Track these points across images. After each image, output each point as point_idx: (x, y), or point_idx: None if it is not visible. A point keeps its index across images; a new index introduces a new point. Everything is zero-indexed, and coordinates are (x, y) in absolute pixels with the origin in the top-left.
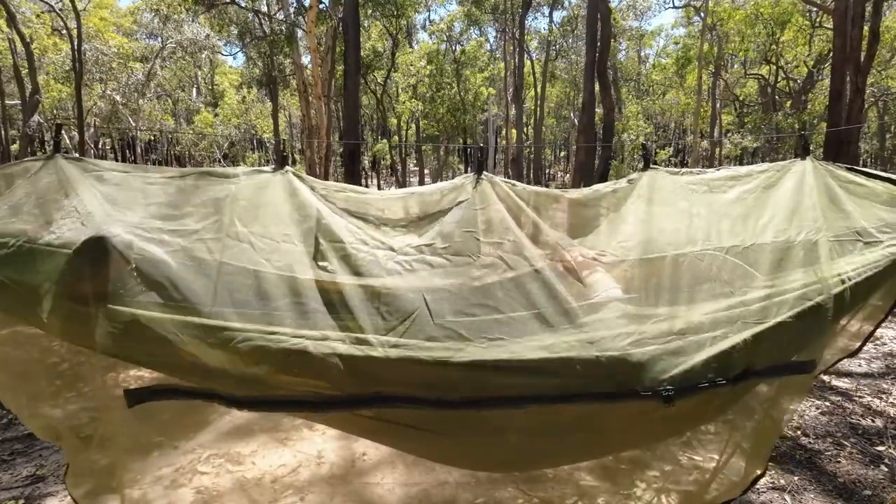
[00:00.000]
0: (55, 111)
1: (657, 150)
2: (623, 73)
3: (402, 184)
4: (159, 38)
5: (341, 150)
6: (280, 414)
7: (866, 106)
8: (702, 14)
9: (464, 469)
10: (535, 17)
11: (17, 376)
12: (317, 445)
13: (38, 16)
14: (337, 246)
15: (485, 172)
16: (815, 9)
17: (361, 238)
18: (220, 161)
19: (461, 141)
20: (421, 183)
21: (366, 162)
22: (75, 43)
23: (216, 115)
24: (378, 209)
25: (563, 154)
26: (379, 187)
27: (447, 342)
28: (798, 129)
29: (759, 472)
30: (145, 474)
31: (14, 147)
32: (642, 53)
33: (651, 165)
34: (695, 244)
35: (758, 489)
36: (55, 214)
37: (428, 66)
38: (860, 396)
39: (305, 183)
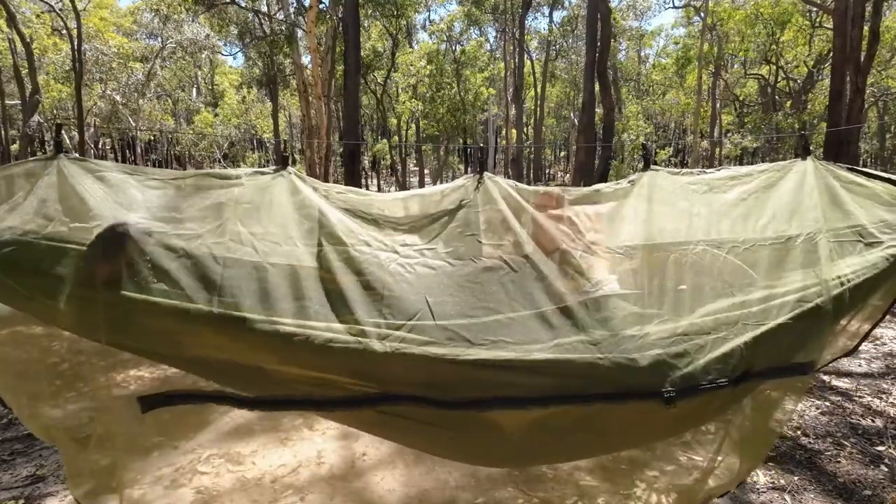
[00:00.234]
0: (55, 111)
1: (657, 150)
2: (623, 73)
3: (402, 183)
4: (159, 38)
5: (341, 150)
6: (284, 412)
7: (866, 106)
8: (702, 14)
9: (464, 464)
10: (535, 17)
11: (17, 376)
12: (317, 445)
13: (38, 16)
14: (340, 249)
15: (486, 172)
16: (815, 9)
17: (364, 240)
18: (220, 161)
19: (461, 141)
20: (421, 183)
21: (366, 162)
22: (75, 43)
23: (216, 115)
24: (380, 210)
25: (563, 154)
26: (379, 187)
27: (449, 343)
28: (798, 129)
29: (753, 468)
30: (145, 474)
31: (14, 147)
32: (642, 53)
33: (651, 166)
34: (696, 244)
35: (758, 489)
36: (62, 213)
37: (428, 66)
38: (860, 396)
39: (307, 184)
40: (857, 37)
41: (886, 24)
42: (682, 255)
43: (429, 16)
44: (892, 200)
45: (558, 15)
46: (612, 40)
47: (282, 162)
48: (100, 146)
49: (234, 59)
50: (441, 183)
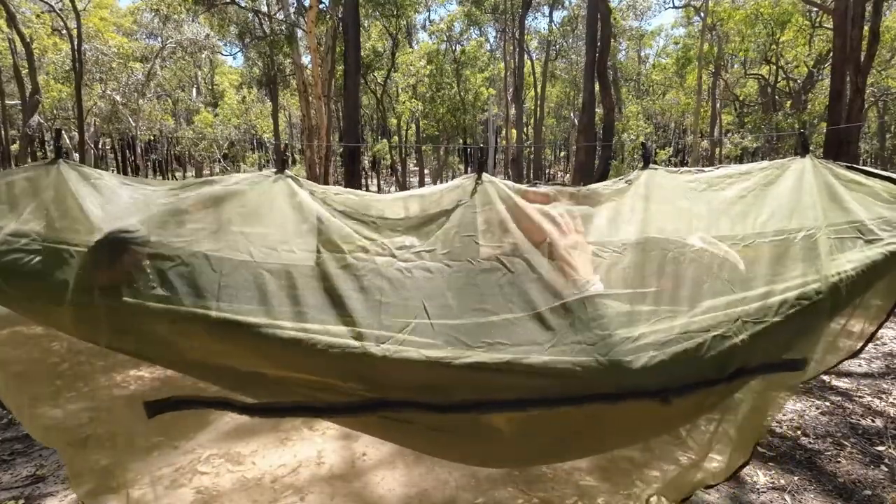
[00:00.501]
0: (55, 111)
1: (657, 150)
2: (623, 73)
3: (402, 184)
4: (159, 38)
5: (341, 150)
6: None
7: (866, 106)
8: (702, 14)
9: (464, 465)
10: (535, 17)
11: (17, 377)
12: (317, 445)
13: (38, 16)
14: (337, 256)
15: (484, 174)
16: (815, 9)
17: (362, 245)
18: (219, 161)
19: (461, 141)
20: (421, 183)
21: (366, 162)
22: (75, 43)
23: (216, 115)
24: (378, 211)
25: (563, 154)
26: (379, 188)
27: (447, 346)
28: (798, 129)
29: (743, 460)
30: (145, 474)
31: (14, 147)
32: (642, 53)
33: (650, 165)
34: (694, 242)
35: (758, 489)
36: (61, 219)
37: (428, 66)
38: (860, 396)
39: (304, 188)
40: (857, 37)
41: (886, 24)
42: (681, 252)
43: (429, 16)
44: (891, 198)
45: (558, 15)
46: (612, 40)
47: (280, 165)
48: (100, 146)
49: (234, 59)
50: (441, 183)
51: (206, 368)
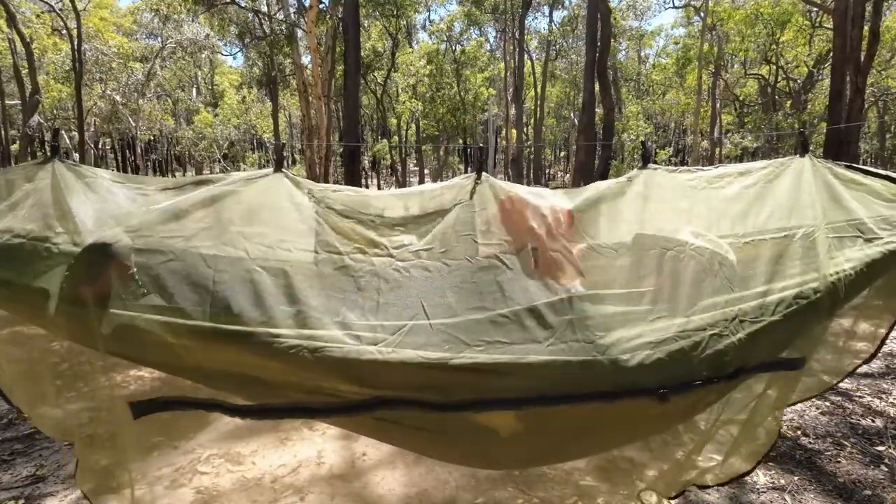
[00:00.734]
0: (55, 111)
1: (657, 150)
2: (623, 73)
3: (401, 184)
4: (159, 38)
5: (341, 150)
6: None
7: (866, 106)
8: (702, 14)
9: (463, 466)
10: (535, 17)
11: (22, 376)
12: (317, 445)
13: (38, 16)
14: (335, 257)
15: (483, 174)
16: (815, 9)
17: (359, 247)
18: (219, 161)
19: (461, 141)
20: (421, 183)
21: (366, 162)
22: (75, 43)
23: (216, 115)
24: (377, 209)
25: (563, 154)
26: (379, 187)
27: (444, 346)
28: (798, 129)
29: (748, 466)
30: (145, 474)
31: (14, 147)
32: (642, 53)
33: (650, 164)
34: (686, 237)
35: (758, 489)
36: (54, 219)
37: (428, 66)
38: (860, 396)
39: (302, 187)
40: (857, 37)
41: (886, 24)
42: (679, 250)
43: (429, 16)
44: (891, 197)
45: (558, 15)
46: (612, 40)
47: (278, 164)
48: (100, 146)
49: (234, 59)
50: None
51: (203, 373)
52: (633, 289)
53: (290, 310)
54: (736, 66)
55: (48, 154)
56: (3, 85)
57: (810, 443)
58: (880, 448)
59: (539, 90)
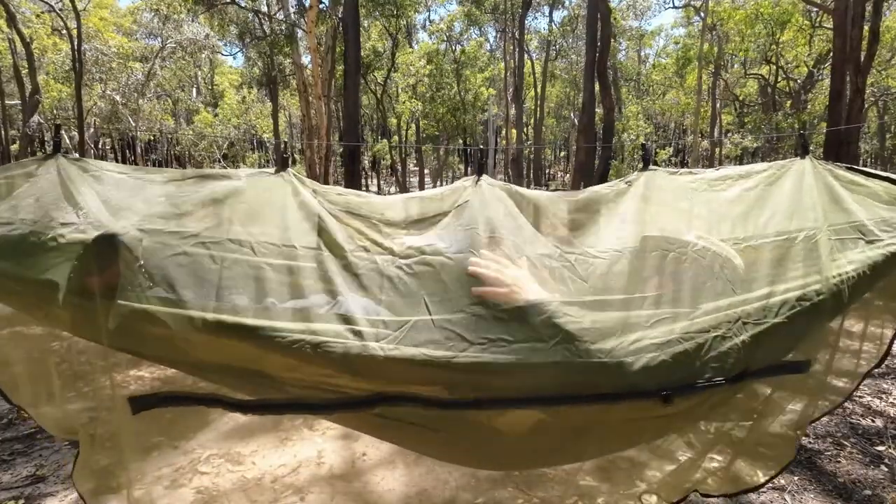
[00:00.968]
0: (55, 111)
1: (657, 150)
2: (623, 73)
3: (402, 184)
4: (159, 38)
5: (341, 150)
6: (282, 415)
7: (866, 106)
8: (702, 14)
9: (465, 467)
10: (535, 17)
11: (25, 375)
12: (317, 445)
13: (38, 16)
14: (338, 254)
15: (484, 175)
16: (815, 9)
17: (363, 245)
18: (219, 161)
19: (461, 141)
20: (421, 182)
21: (366, 162)
22: (75, 43)
23: (216, 115)
24: (380, 211)
25: (563, 154)
26: (379, 188)
27: (447, 342)
28: (798, 129)
29: (764, 478)
30: (145, 474)
31: (14, 147)
32: (642, 53)
33: (650, 166)
34: (691, 239)
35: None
36: (58, 213)
37: (428, 66)
38: (860, 396)
39: (307, 186)
40: (857, 37)
41: (886, 24)
42: (682, 252)
43: (429, 16)
44: (890, 199)
45: (558, 15)
46: (612, 40)
47: (282, 163)
48: (100, 146)
49: (234, 59)
50: (441, 183)
51: (208, 368)
52: (636, 291)
53: (293, 305)
54: (736, 66)
55: (48, 151)
56: (3, 85)
57: (810, 443)
58: (880, 448)
59: (539, 90)
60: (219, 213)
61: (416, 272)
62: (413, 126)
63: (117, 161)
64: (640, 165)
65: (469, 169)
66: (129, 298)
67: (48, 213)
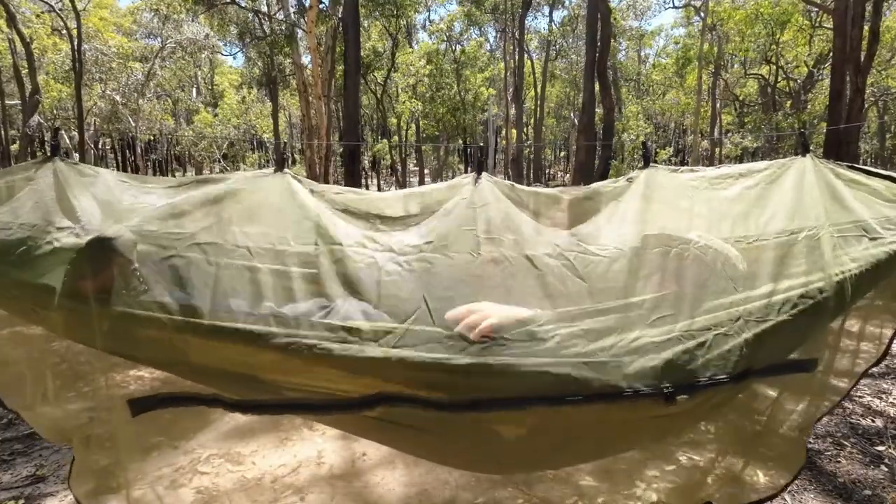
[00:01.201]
0: (55, 111)
1: (657, 150)
2: (623, 73)
3: (402, 184)
4: (159, 38)
5: (341, 150)
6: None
7: (866, 106)
8: (702, 14)
9: (464, 471)
10: (535, 17)
11: (20, 377)
12: (317, 445)
13: (38, 16)
14: (336, 249)
15: (484, 173)
16: (815, 9)
17: (360, 241)
18: (219, 161)
19: (461, 141)
20: (421, 183)
21: (366, 162)
22: (75, 43)
23: (216, 115)
24: (378, 208)
25: (563, 154)
26: (379, 187)
27: (447, 342)
28: (798, 129)
29: (783, 482)
30: (145, 474)
31: (14, 147)
32: (642, 53)
33: (651, 164)
34: (692, 237)
35: (757, 489)
36: (54, 216)
37: (428, 66)
38: (860, 396)
39: (304, 185)
40: (857, 37)
41: (886, 24)
42: (683, 249)
43: (429, 16)
44: (892, 197)
45: (558, 15)
46: (612, 40)
47: (280, 163)
48: (100, 146)
49: (234, 59)
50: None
51: (201, 371)
52: (637, 289)
53: (290, 308)
54: (736, 66)
55: (48, 153)
56: (3, 85)
57: (810, 443)
58: (880, 448)
59: (539, 90)
60: (215, 214)
61: (415, 269)
62: (413, 126)
63: (117, 161)
64: (641, 165)
65: (469, 168)
66: (123, 302)
67: (45, 217)
